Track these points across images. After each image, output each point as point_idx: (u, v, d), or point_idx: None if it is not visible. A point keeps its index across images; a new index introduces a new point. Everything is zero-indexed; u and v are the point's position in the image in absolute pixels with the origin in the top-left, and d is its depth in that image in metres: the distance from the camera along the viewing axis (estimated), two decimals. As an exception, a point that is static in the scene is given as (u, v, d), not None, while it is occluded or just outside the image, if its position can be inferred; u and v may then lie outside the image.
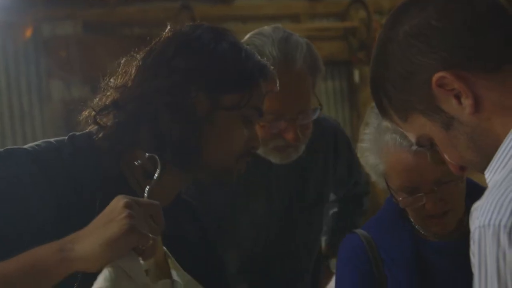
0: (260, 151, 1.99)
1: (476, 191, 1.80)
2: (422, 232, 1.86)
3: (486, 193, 1.09)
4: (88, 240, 1.31)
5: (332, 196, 2.39)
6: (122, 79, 1.52)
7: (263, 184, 2.09)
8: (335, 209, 2.42)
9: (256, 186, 2.08)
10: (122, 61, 1.55)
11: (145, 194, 1.41)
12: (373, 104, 1.83)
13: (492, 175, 1.15)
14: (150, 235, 1.34)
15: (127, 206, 1.32)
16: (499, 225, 1.02)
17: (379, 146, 1.79)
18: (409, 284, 1.81)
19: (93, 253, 1.31)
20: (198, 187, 1.88)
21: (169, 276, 1.45)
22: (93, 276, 1.32)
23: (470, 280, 1.63)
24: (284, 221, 2.12)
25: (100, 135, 1.50)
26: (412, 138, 1.28)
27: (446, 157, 1.26)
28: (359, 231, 1.92)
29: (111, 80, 1.53)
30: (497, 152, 1.15)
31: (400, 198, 1.78)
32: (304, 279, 2.18)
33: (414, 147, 1.72)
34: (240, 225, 2.09)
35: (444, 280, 1.81)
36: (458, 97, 1.18)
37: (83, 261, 1.31)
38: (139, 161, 1.48)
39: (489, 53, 1.17)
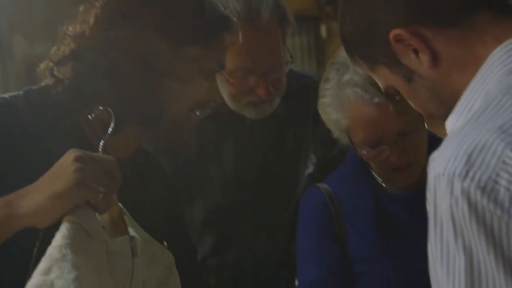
0: (233, 107, 2.00)
1: (436, 142, 1.75)
2: (384, 185, 1.89)
3: (444, 143, 1.10)
4: (36, 194, 1.29)
5: (312, 160, 2.39)
6: (80, 28, 1.48)
7: (236, 139, 2.09)
8: (310, 170, 2.42)
9: (229, 140, 2.08)
10: (81, 9, 1.50)
11: (100, 149, 1.40)
12: (333, 59, 1.87)
13: (451, 126, 1.17)
14: (101, 189, 1.32)
15: (77, 159, 1.30)
16: (454, 173, 1.02)
17: (341, 101, 1.80)
18: (370, 235, 1.84)
19: (40, 208, 1.29)
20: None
21: (126, 233, 1.44)
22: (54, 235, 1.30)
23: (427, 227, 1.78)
24: (258, 176, 2.12)
25: (59, 88, 1.47)
26: (381, 86, 1.31)
27: (413, 106, 1.28)
28: (321, 185, 1.93)
29: (70, 28, 1.49)
30: (456, 104, 1.16)
31: (364, 152, 1.80)
32: (274, 236, 2.17)
33: (376, 100, 1.74)
34: (209, 178, 2.09)
35: (403, 230, 1.84)
36: (416, 52, 1.19)
37: (30, 216, 1.29)
38: (93, 115, 1.46)
39: (446, 9, 1.18)
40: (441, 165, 1.04)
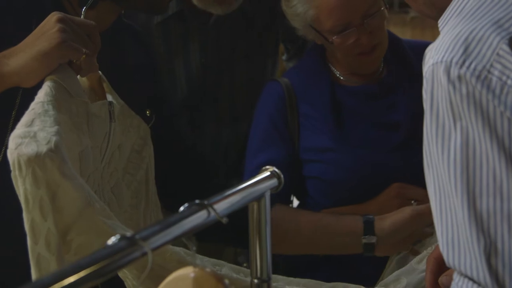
0: (199, 4, 2.02)
1: (392, 39, 1.98)
2: (341, 78, 1.98)
3: (440, 36, 1.17)
4: (22, 54, 1.36)
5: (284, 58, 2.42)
6: None
7: (202, 35, 2.12)
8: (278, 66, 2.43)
9: (195, 37, 2.11)
10: None
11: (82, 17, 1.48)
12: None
13: (444, 24, 1.23)
14: (84, 50, 1.39)
15: (59, 20, 1.37)
16: (451, 61, 1.10)
17: None
18: (325, 123, 1.92)
19: (26, 66, 1.36)
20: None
21: (105, 99, 1.51)
22: (32, 95, 1.35)
23: (381, 118, 1.91)
24: (224, 72, 2.16)
25: None
26: None
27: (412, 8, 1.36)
28: (280, 78, 2.02)
29: None
30: (449, 5, 1.22)
31: (334, 38, 1.86)
32: (238, 129, 2.21)
33: None
34: (176, 74, 2.13)
35: (357, 120, 1.93)
36: None
37: (16, 75, 1.36)
38: None
39: None
40: (439, 54, 1.12)
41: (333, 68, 1.99)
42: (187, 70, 2.13)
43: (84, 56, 1.40)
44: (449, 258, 1.12)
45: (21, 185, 1.22)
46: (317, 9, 1.86)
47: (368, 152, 1.90)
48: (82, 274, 0.86)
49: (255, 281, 1.21)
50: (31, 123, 1.27)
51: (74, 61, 1.41)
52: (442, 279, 1.42)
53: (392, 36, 2.02)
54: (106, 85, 1.54)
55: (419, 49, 2.01)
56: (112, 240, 0.92)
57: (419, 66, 1.95)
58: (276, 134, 1.95)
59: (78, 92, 1.42)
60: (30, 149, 1.21)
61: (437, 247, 1.45)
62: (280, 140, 1.94)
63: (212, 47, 2.13)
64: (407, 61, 2.00)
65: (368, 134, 1.92)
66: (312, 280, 1.58)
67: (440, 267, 1.41)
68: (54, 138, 1.24)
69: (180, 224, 1.00)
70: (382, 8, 1.88)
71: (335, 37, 1.87)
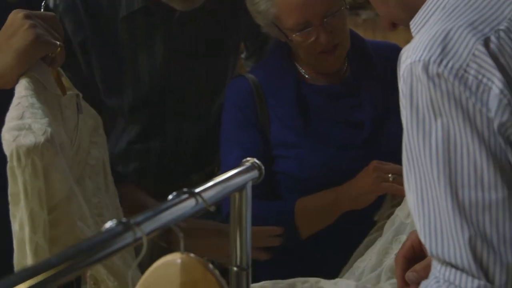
0: None
1: (356, 39, 2.04)
2: (306, 76, 2.02)
3: (416, 38, 1.22)
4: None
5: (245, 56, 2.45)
6: None
7: (166, 30, 2.13)
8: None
9: (159, 32, 2.12)
10: None
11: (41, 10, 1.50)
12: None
13: (416, 26, 1.28)
14: (58, 42, 1.41)
15: (26, 17, 1.37)
16: (429, 60, 1.15)
17: None
18: (292, 122, 1.96)
19: (7, 67, 1.36)
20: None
21: (65, 93, 1.53)
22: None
23: (346, 117, 1.97)
24: (186, 67, 2.17)
25: None
26: None
27: (378, 12, 1.39)
28: (246, 74, 2.06)
29: None
30: (423, 6, 1.27)
31: (294, 36, 1.91)
32: (199, 123, 2.24)
33: None
34: (139, 67, 2.14)
35: (323, 117, 1.98)
36: None
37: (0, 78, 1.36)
38: None
39: None
40: (416, 54, 1.17)
41: (299, 67, 2.04)
42: (150, 65, 2.15)
43: (59, 48, 1.42)
44: (432, 248, 1.17)
45: (20, 176, 1.24)
46: (279, 7, 1.91)
47: (334, 149, 1.95)
48: (82, 257, 0.89)
49: (235, 269, 1.24)
50: (22, 116, 1.29)
51: (50, 54, 1.43)
52: (409, 275, 1.45)
53: (355, 36, 2.07)
54: (65, 80, 1.56)
55: (381, 49, 2.09)
56: (108, 225, 0.95)
57: (382, 66, 2.03)
58: (249, 128, 1.99)
59: (52, 85, 1.44)
60: (28, 140, 1.24)
61: (404, 244, 1.50)
62: (254, 133, 1.98)
63: (176, 43, 2.15)
64: (370, 61, 2.06)
65: (333, 131, 1.97)
66: (268, 281, 1.62)
67: (409, 264, 1.46)
68: (49, 129, 1.27)
69: (171, 210, 1.04)
70: (343, 8, 1.92)
71: (295, 35, 1.91)
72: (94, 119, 1.66)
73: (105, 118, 2.19)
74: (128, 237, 0.95)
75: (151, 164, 2.22)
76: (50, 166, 1.24)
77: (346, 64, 2.03)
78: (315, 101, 2.00)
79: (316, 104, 1.99)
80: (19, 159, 1.23)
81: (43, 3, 1.52)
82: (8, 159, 1.24)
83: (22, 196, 1.24)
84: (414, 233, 1.49)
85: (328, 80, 2.02)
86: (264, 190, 1.92)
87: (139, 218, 0.98)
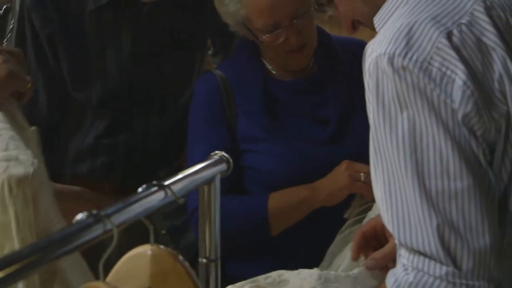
0: None
1: (322, 35, 2.07)
2: (274, 72, 2.04)
3: (381, 33, 1.25)
4: None
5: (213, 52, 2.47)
6: None
7: (133, 24, 2.14)
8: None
9: (126, 25, 2.13)
10: None
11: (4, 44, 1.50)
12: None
13: (380, 21, 1.30)
14: (28, 77, 1.43)
15: None
16: (394, 53, 1.18)
17: None
18: (258, 115, 1.99)
19: None
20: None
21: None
22: None
23: (313, 112, 1.99)
24: (154, 61, 2.19)
25: None
26: None
27: (340, 10, 1.40)
28: (214, 70, 2.08)
29: None
30: (386, 1, 1.29)
31: (264, 37, 1.93)
32: (166, 118, 2.25)
33: None
34: (107, 61, 2.15)
35: (289, 113, 2.01)
36: None
37: None
38: None
39: None
40: (382, 47, 1.20)
41: (266, 63, 2.05)
42: (118, 59, 2.15)
43: (29, 84, 1.44)
44: (400, 237, 1.20)
45: (12, 206, 1.26)
46: (248, 9, 1.92)
47: (300, 144, 1.97)
48: (54, 248, 0.90)
49: (204, 260, 1.26)
50: (6, 148, 1.32)
51: (20, 89, 1.45)
52: (368, 263, 1.51)
53: (322, 32, 2.10)
54: None
55: (347, 45, 2.12)
56: (79, 217, 0.96)
57: (348, 61, 2.06)
58: (216, 123, 2.00)
59: (22, 119, 1.47)
60: (19, 170, 1.27)
61: (368, 223, 1.56)
62: (221, 128, 2.00)
63: (143, 37, 2.16)
64: (337, 57, 2.08)
65: (300, 127, 1.99)
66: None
67: (366, 241, 1.53)
68: (35, 161, 1.30)
69: (140, 203, 1.05)
70: (312, 9, 1.95)
71: (265, 36, 1.93)
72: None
73: (73, 112, 2.22)
74: (98, 229, 0.97)
75: (118, 159, 2.23)
76: (38, 196, 1.27)
77: (312, 60, 2.06)
78: (282, 96, 2.02)
79: (283, 100, 2.02)
80: (10, 189, 1.25)
81: (4, 41, 1.50)
82: None
83: (13, 225, 1.27)
84: (370, 221, 1.56)
85: (295, 76, 2.04)
86: (231, 185, 1.94)
87: (109, 210, 1.00)
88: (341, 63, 2.07)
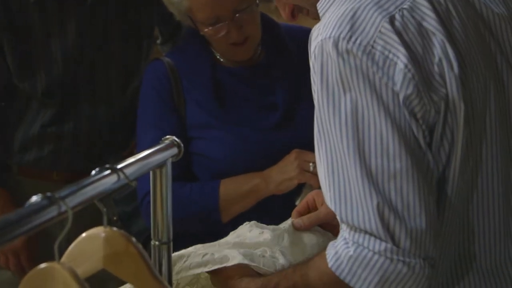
0: None
1: (270, 24, 2.09)
2: (221, 60, 2.06)
3: (325, 17, 1.28)
4: None
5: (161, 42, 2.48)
6: None
7: (78, 16, 2.16)
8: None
9: (71, 17, 2.15)
10: None
11: None
12: None
13: (323, 7, 1.33)
14: None
15: None
16: (339, 37, 1.22)
17: None
18: (208, 104, 2.01)
19: None
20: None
21: None
22: None
23: (260, 99, 2.02)
24: (100, 51, 2.21)
25: None
26: None
27: None
28: (163, 58, 2.08)
29: None
30: None
31: (206, 30, 1.95)
32: (114, 106, 2.28)
33: None
34: (52, 51, 2.16)
35: (238, 100, 2.03)
36: None
37: None
38: None
39: None
40: (327, 31, 1.23)
41: (214, 51, 2.07)
42: (63, 49, 2.16)
43: None
44: (341, 214, 1.24)
45: None
46: (190, 1, 1.94)
47: (248, 130, 2.00)
48: (8, 230, 0.91)
49: (156, 243, 1.29)
50: None
51: None
52: (297, 220, 1.57)
53: (269, 21, 2.12)
54: None
55: (295, 33, 2.14)
56: (34, 199, 0.98)
57: (296, 49, 2.09)
58: (166, 110, 2.02)
59: None
60: None
61: (301, 203, 1.61)
62: (170, 115, 2.01)
63: (88, 26, 2.17)
64: (284, 45, 2.11)
65: (248, 113, 2.02)
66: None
67: (314, 202, 1.59)
68: None
69: (93, 185, 1.07)
70: (254, 4, 1.96)
71: (206, 29, 1.95)
72: None
73: (19, 101, 2.21)
74: (53, 211, 0.98)
75: (65, 148, 2.24)
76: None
77: (260, 48, 2.08)
78: (230, 83, 2.04)
79: (231, 87, 2.04)
80: None
81: None
82: None
83: None
84: (310, 194, 1.60)
85: (241, 62, 2.06)
86: (180, 171, 1.95)
87: (64, 192, 1.02)
88: (289, 50, 2.10)
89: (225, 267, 1.39)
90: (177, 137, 1.92)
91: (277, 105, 2.03)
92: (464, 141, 1.25)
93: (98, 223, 2.34)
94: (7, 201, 2.19)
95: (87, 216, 2.27)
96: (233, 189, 1.97)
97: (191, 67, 2.05)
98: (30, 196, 0.98)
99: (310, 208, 1.59)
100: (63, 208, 1.00)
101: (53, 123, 2.22)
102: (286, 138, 1.99)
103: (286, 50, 2.10)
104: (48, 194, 0.99)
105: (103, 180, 1.09)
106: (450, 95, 1.23)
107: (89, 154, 2.26)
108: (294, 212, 1.60)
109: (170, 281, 1.31)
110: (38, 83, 2.16)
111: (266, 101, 2.04)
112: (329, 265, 1.25)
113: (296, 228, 1.55)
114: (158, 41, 2.44)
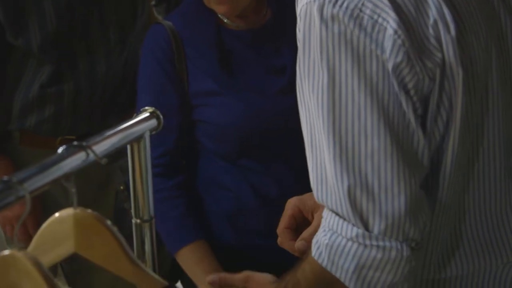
0: None
1: None
2: (225, 21, 1.97)
3: None
4: None
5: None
6: None
7: None
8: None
9: None
10: None
11: None
12: None
13: None
14: None
15: None
16: (324, 0, 1.13)
17: None
18: (211, 68, 1.93)
19: None
20: None
21: None
22: None
23: (267, 63, 1.94)
24: (94, 6, 2.17)
25: None
26: None
27: None
28: (164, 22, 2.00)
29: None
30: None
31: None
32: (112, 64, 2.23)
33: None
34: (45, 6, 2.11)
35: (243, 63, 1.95)
36: None
37: None
38: None
39: None
40: None
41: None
42: (55, 3, 2.11)
43: None
44: (318, 194, 1.17)
45: None
46: None
47: (254, 95, 1.92)
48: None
49: (138, 221, 1.23)
50: None
51: None
52: (298, 244, 1.38)
53: None
54: None
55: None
56: (-9, 182, 0.92)
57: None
58: (165, 77, 1.95)
59: None
60: None
61: (284, 216, 1.45)
62: (170, 83, 1.94)
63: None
64: (289, 4, 2.02)
65: (254, 77, 1.94)
66: None
67: (295, 233, 1.42)
68: None
69: (58, 165, 1.01)
70: None
71: None
72: None
73: (15, 61, 2.17)
74: (10, 196, 0.93)
75: (66, 108, 2.19)
76: None
77: (266, 7, 2.00)
78: (235, 47, 1.96)
79: (236, 50, 1.95)
80: None
81: None
82: None
83: None
84: (290, 202, 1.45)
85: (248, 24, 1.98)
86: (165, 149, 1.91)
87: (23, 175, 0.96)
88: (295, 10, 2.01)
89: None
90: (178, 105, 1.92)
91: (285, 68, 1.95)
92: (464, 108, 1.17)
93: (105, 187, 2.32)
94: (9, 170, 2.15)
95: (95, 183, 2.26)
96: (186, 265, 1.87)
97: (194, 32, 1.97)
98: None
99: (298, 220, 1.44)
100: (22, 193, 0.94)
101: (52, 82, 2.17)
102: (291, 102, 1.91)
103: (292, 9, 2.01)
104: (5, 178, 0.93)
105: (69, 159, 1.03)
106: (447, 60, 1.14)
107: (91, 114, 2.22)
108: (281, 230, 1.44)
109: (154, 259, 1.25)
110: (33, 39, 2.11)
111: (273, 65, 1.96)
112: (312, 254, 1.19)
113: (302, 253, 1.35)
114: (153, 2, 2.38)
